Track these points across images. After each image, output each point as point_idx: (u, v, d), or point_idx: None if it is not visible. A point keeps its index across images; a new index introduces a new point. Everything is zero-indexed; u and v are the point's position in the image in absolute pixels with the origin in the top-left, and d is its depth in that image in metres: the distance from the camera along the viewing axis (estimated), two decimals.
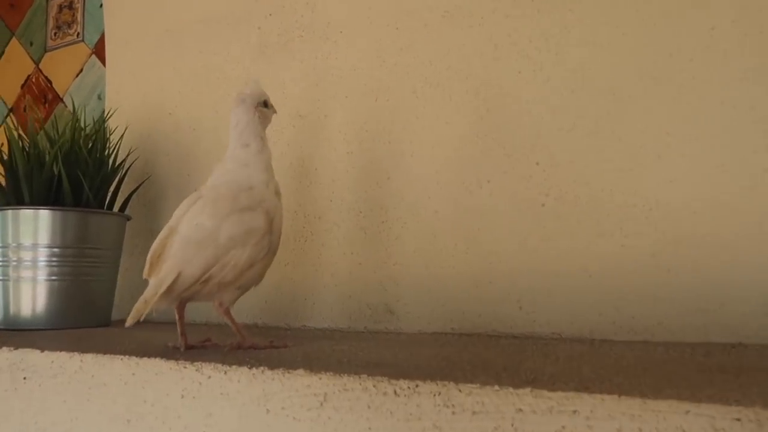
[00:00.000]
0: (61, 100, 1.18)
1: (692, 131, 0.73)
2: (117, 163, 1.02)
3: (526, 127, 0.83)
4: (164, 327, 0.99)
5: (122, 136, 1.06)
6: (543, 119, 0.81)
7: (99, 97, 1.30)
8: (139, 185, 1.09)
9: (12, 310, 0.91)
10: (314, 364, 0.52)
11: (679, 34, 0.74)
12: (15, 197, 0.94)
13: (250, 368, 0.52)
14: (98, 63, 1.38)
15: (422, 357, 0.58)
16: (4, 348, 0.68)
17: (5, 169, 0.95)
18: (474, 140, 0.86)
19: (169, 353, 0.61)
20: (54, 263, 0.92)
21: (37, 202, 0.92)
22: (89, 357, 0.62)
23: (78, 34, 1.44)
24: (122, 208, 1.04)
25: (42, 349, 0.66)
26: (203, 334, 0.79)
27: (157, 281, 0.62)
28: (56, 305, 0.92)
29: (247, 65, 1.07)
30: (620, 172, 0.76)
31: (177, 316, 0.67)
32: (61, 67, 1.45)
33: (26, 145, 0.94)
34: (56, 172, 0.92)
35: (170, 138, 1.15)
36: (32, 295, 0.91)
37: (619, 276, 0.75)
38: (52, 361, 0.64)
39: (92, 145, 0.97)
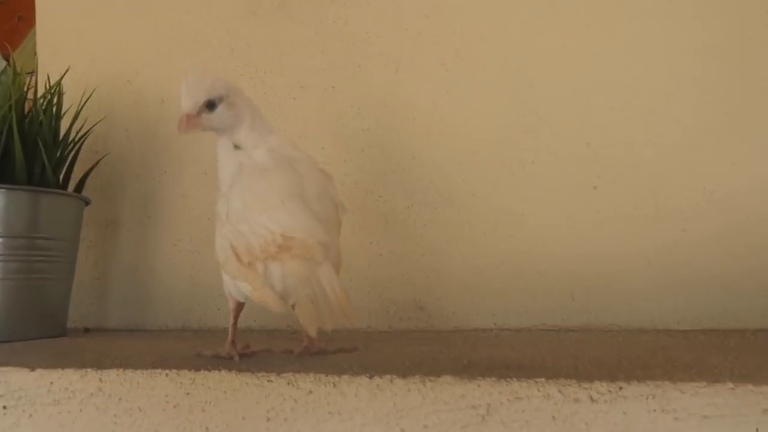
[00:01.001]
0: None
1: (753, 110, 0.71)
2: (74, 136, 0.83)
3: (574, 105, 0.77)
4: (132, 335, 0.82)
5: (85, 102, 0.86)
6: (593, 97, 0.76)
7: None
8: (95, 164, 0.90)
9: None
10: (453, 368, 0.42)
11: (738, 7, 0.72)
12: None
13: (370, 377, 0.41)
14: None
15: (541, 355, 0.50)
16: None
17: None
18: (515, 118, 0.79)
19: (227, 364, 0.47)
20: None
21: None
22: (112, 375, 0.46)
23: None
24: (76, 191, 0.85)
25: (31, 367, 0.49)
26: (219, 341, 0.64)
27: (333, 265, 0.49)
28: (2, 311, 0.72)
29: (233, 28, 0.92)
30: (679, 154, 0.73)
31: (233, 320, 0.52)
32: None
33: None
34: (1, 140, 0.72)
35: (129, 110, 0.96)
36: None
37: (680, 263, 0.71)
38: (52, 383, 0.47)
39: (45, 110, 0.77)
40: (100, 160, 0.92)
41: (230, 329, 0.52)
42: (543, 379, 0.38)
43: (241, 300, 0.52)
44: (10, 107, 0.72)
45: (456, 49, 0.82)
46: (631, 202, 0.73)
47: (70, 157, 0.84)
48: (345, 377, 0.41)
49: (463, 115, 0.81)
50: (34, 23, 1.14)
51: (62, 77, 0.82)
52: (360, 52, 0.86)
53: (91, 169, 0.88)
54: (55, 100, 0.79)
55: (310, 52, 0.88)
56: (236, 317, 0.53)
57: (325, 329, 0.46)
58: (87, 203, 0.83)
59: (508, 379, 0.38)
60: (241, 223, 0.49)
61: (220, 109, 0.55)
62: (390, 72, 0.84)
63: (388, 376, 0.40)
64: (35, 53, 0.90)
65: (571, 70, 0.77)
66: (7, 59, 1.04)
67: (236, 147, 0.56)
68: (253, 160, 0.54)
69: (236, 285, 0.50)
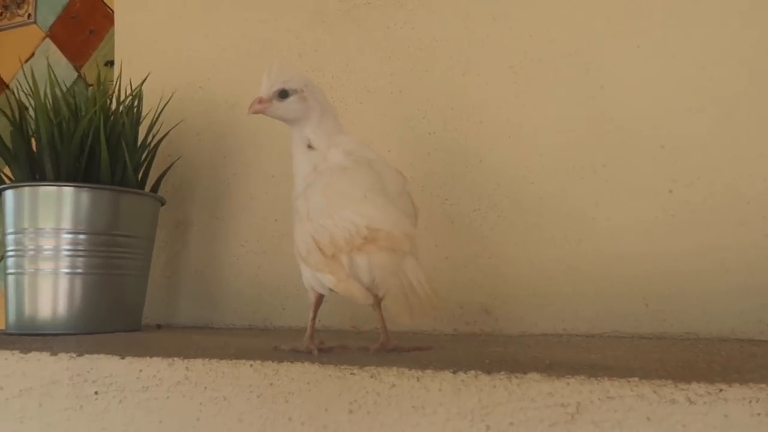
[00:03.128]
0: (7, 87, 1.01)
1: None
2: (153, 139, 0.86)
3: (647, 107, 0.75)
4: (203, 331, 0.84)
5: (165, 106, 0.89)
6: (668, 98, 0.74)
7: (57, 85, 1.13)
8: (170, 166, 0.93)
9: (27, 310, 0.74)
10: (537, 367, 0.41)
11: None
12: (33, 172, 0.77)
13: (454, 373, 0.41)
14: (53, 47, 1.22)
15: (624, 358, 0.48)
16: (62, 354, 0.53)
17: (14, 140, 0.77)
18: (585, 121, 0.77)
19: (308, 357, 0.48)
20: (80, 253, 0.75)
21: (62, 178, 0.75)
22: (198, 364, 0.48)
23: (29, 15, 1.28)
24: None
25: (122, 355, 0.51)
26: (290, 338, 0.65)
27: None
28: (82, 304, 0.75)
29: (301, 34, 0.95)
30: (760, 157, 0.70)
31: (313, 314, 0.53)
32: (7, 51, 1.27)
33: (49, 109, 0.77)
34: (89, 142, 0.76)
35: (201, 116, 1.00)
36: (53, 292, 0.74)
37: (763, 270, 0.68)
38: (141, 371, 0.49)
39: (128, 114, 0.81)
40: (174, 162, 0.95)
41: (309, 324, 0.53)
42: (636, 379, 0.37)
43: (324, 293, 0.53)
44: (95, 111, 0.75)
45: (524, 51, 0.81)
46: (708, 206, 0.71)
47: (147, 160, 0.87)
48: (428, 372, 0.41)
49: (530, 117, 0.80)
50: (104, 36, 1.21)
51: (143, 82, 0.86)
52: (427, 56, 0.86)
53: (165, 171, 0.91)
54: (135, 104, 0.83)
55: (378, 56, 0.89)
56: (315, 311, 0.54)
57: (415, 321, 0.46)
58: (162, 203, 0.87)
59: (599, 378, 0.37)
60: (324, 218, 0.50)
61: (290, 99, 0.57)
62: (457, 75, 0.84)
63: (473, 372, 0.40)
64: (104, 63, 0.95)
65: (643, 72, 0.75)
66: (78, 71, 1.10)
67: (309, 147, 0.57)
68: (328, 161, 0.55)
69: (318, 278, 0.51)
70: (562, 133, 0.78)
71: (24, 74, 0.75)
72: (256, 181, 0.94)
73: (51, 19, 1.28)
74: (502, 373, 0.40)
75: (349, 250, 0.47)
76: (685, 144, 0.73)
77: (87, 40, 1.38)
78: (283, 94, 0.57)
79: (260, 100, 0.58)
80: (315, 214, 0.51)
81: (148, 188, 0.88)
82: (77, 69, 1.25)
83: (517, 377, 0.39)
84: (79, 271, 0.75)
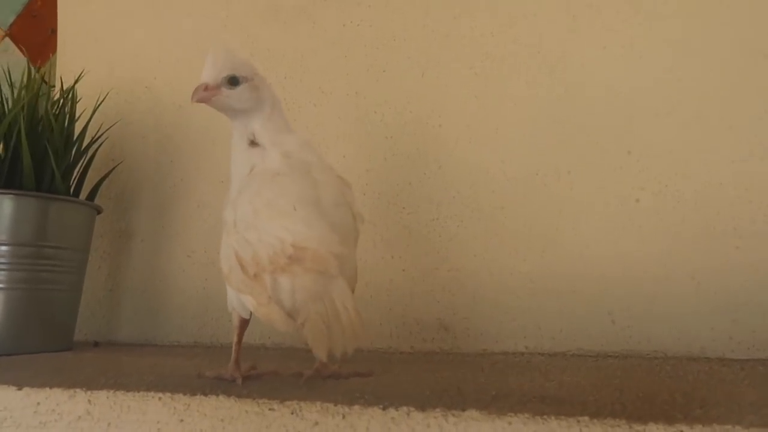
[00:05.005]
0: None
1: None
2: (87, 142, 0.80)
3: (614, 111, 0.71)
4: (142, 350, 0.78)
5: (97, 106, 0.83)
6: (635, 102, 0.70)
7: (10, 85, 1.07)
8: (109, 172, 0.87)
9: None
10: (480, 400, 0.36)
11: None
12: None
13: (384, 409, 0.35)
14: (12, 46, 1.15)
15: (580, 387, 0.44)
16: None
17: None
18: (549, 124, 0.73)
19: (227, 388, 0.42)
20: (2, 266, 0.69)
21: None
22: (102, 396, 0.42)
23: None
24: (89, 200, 0.82)
25: (19, 386, 0.45)
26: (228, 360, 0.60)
27: (348, 281, 0.45)
28: (6, 322, 0.69)
29: (253, 31, 0.89)
30: (731, 164, 0.66)
31: (237, 338, 0.48)
32: None
33: None
34: (11, 144, 0.69)
35: (147, 117, 0.93)
36: None
37: (734, 283, 0.64)
38: (38, 403, 0.43)
39: (58, 115, 0.75)
40: (115, 167, 0.89)
41: (234, 348, 0.48)
42: (587, 418, 0.32)
43: (245, 316, 0.47)
44: (19, 109, 0.69)
45: (486, 51, 0.77)
46: (678, 217, 0.67)
47: (83, 164, 0.81)
48: (356, 407, 0.36)
49: (492, 121, 0.75)
50: None
51: (77, 81, 0.80)
52: (385, 55, 0.82)
53: (104, 177, 0.85)
54: (68, 105, 0.77)
55: (333, 55, 0.84)
56: (240, 335, 0.48)
57: (334, 353, 0.41)
58: (99, 212, 0.80)
59: (545, 417, 0.33)
60: (249, 231, 0.44)
61: (242, 87, 0.51)
62: (416, 76, 0.80)
63: (405, 408, 0.35)
64: (38, 75, 0.88)
65: (609, 74, 0.71)
66: (38, 72, 1.03)
67: (251, 143, 0.51)
68: (266, 162, 0.50)
69: (240, 299, 0.45)
70: (525, 137, 0.74)
71: None
72: (205, 186, 0.88)
73: (11, 18, 1.21)
74: (437, 409, 0.34)
75: (272, 270, 0.42)
76: (653, 150, 0.69)
77: (48, 40, 1.31)
78: (234, 81, 0.51)
79: (206, 87, 0.51)
80: (241, 225, 0.45)
81: (84, 195, 0.82)
82: (37, 70, 1.19)
83: (453, 415, 0.34)
84: (1, 285, 0.69)
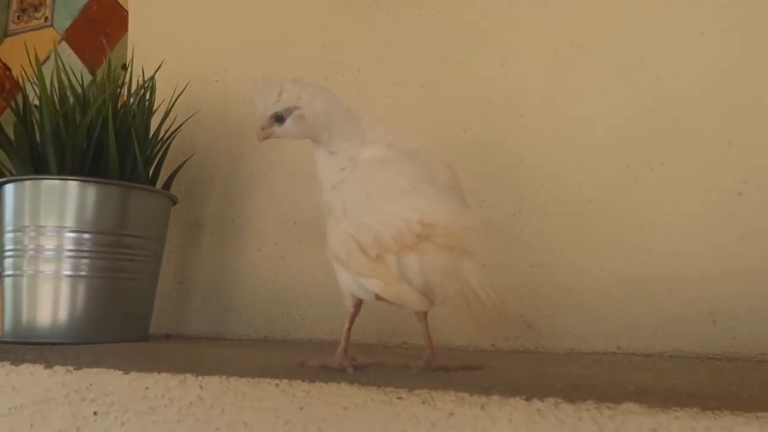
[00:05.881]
0: (22, 90, 0.98)
1: None
2: (165, 133, 0.80)
3: (712, 100, 0.67)
4: (216, 343, 0.77)
5: (177, 98, 0.83)
6: (736, 90, 0.67)
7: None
8: (183, 163, 0.87)
9: (25, 316, 0.68)
10: (625, 394, 0.34)
11: None
12: (36, 165, 0.70)
13: (527, 400, 0.33)
14: (69, 50, 1.17)
15: (714, 385, 0.41)
16: (57, 367, 0.46)
17: (17, 131, 0.71)
18: (640, 115, 0.70)
19: (345, 377, 0.41)
20: (84, 254, 0.69)
21: (66, 171, 0.69)
22: (214, 382, 0.41)
23: (46, 18, 1.24)
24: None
25: (125, 370, 0.44)
26: (311, 352, 0.58)
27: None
28: (85, 311, 0.68)
29: (323, 24, 0.88)
30: None
31: (349, 324, 0.46)
32: (24, 54, 1.23)
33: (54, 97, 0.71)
34: (96, 134, 0.69)
35: (217, 110, 0.93)
36: (53, 297, 0.68)
37: None
38: (147, 388, 0.42)
39: (139, 104, 0.75)
40: (188, 159, 0.89)
41: (344, 335, 0.46)
42: (764, 414, 0.29)
43: (367, 298, 0.45)
44: (104, 100, 0.69)
45: (570, 39, 0.74)
46: None
47: (158, 155, 0.81)
48: (494, 398, 0.34)
49: (578, 112, 0.73)
50: (119, 39, 1.15)
51: (156, 71, 0.80)
52: (462, 46, 0.80)
53: (179, 168, 0.85)
54: (147, 95, 0.77)
55: (408, 47, 0.83)
56: (352, 321, 0.46)
57: (483, 334, 0.39)
58: (175, 202, 0.80)
59: (718, 411, 0.30)
60: (365, 215, 0.43)
61: (288, 123, 0.48)
62: (495, 66, 0.77)
63: (552, 399, 0.33)
64: (120, 66, 0.89)
65: (708, 61, 0.68)
66: (93, 74, 1.04)
67: (332, 153, 0.49)
68: (365, 154, 0.48)
69: (361, 283, 0.43)
70: (614, 128, 0.71)
71: (35, 74, 0.69)
72: (275, 180, 0.88)
73: (67, 23, 1.24)
74: (588, 401, 0.32)
75: (398, 250, 0.40)
76: (757, 140, 0.65)
77: (102, 44, 1.33)
78: (279, 119, 0.48)
79: (261, 128, 0.49)
80: (353, 211, 0.44)
81: (159, 186, 0.82)
82: (92, 72, 1.21)
83: (608, 407, 0.32)
84: (83, 273, 0.69)
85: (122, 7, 1.14)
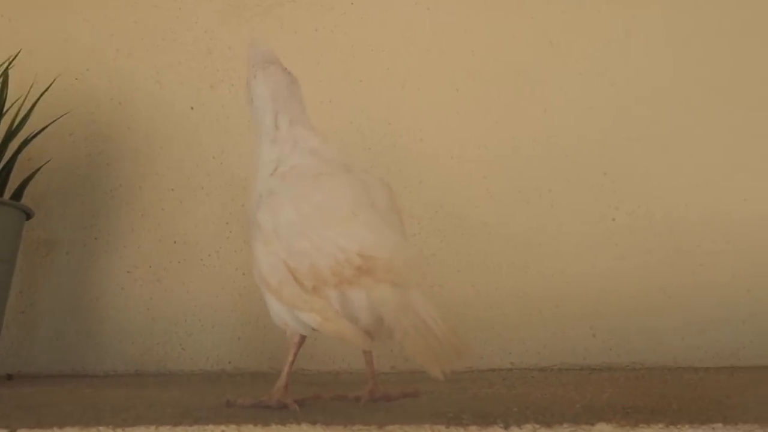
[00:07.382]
0: None
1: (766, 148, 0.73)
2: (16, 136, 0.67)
3: (590, 134, 0.75)
4: (72, 381, 0.66)
5: (39, 98, 0.70)
6: (609, 126, 0.75)
7: None
8: (36, 171, 0.74)
9: None
10: (568, 413, 0.35)
11: (756, 46, 0.75)
12: None
13: (506, 428, 0.33)
14: None
15: (637, 397, 0.44)
16: None
17: None
18: (530, 143, 0.75)
19: (300, 416, 0.36)
20: None
21: None
22: None
23: None
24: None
25: None
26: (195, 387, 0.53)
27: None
28: None
29: (211, 27, 0.82)
30: (694, 187, 0.73)
31: (292, 358, 0.41)
32: None
33: None
34: None
35: (76, 112, 0.81)
36: None
37: (700, 297, 0.70)
38: None
39: None
40: (40, 168, 0.76)
41: (285, 370, 0.41)
42: (719, 425, 0.32)
43: (304, 333, 0.41)
44: None
45: (467, 68, 0.78)
46: (650, 235, 0.72)
47: (7, 164, 0.68)
48: (472, 428, 0.33)
49: (475, 137, 0.76)
50: None
51: (10, 62, 0.67)
52: (361, 64, 0.79)
53: (30, 177, 0.72)
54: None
55: (303, 61, 0.80)
56: (295, 355, 0.42)
57: (441, 366, 0.37)
58: (29, 216, 0.68)
59: (678, 426, 0.32)
60: (300, 239, 0.39)
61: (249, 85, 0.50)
62: (396, 87, 0.78)
63: (530, 426, 0.32)
64: None
65: (586, 99, 0.75)
66: None
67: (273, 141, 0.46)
68: (292, 160, 0.45)
69: (296, 315, 0.39)
70: (507, 154, 0.75)
71: None
72: (150, 194, 0.78)
73: None
74: (564, 425, 0.32)
75: (336, 283, 0.37)
76: (627, 172, 0.73)
77: None
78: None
79: None
80: (286, 233, 0.40)
81: (6, 196, 0.68)
82: None
83: (583, 430, 0.32)
84: None
85: None
